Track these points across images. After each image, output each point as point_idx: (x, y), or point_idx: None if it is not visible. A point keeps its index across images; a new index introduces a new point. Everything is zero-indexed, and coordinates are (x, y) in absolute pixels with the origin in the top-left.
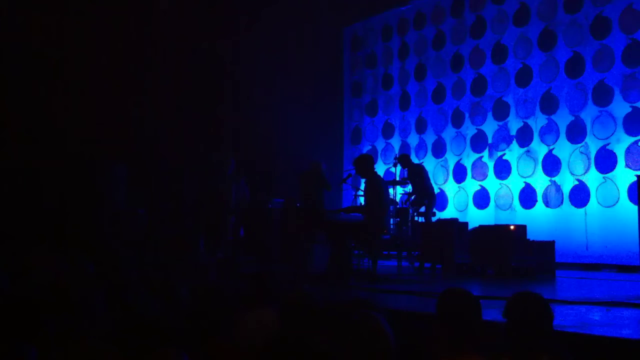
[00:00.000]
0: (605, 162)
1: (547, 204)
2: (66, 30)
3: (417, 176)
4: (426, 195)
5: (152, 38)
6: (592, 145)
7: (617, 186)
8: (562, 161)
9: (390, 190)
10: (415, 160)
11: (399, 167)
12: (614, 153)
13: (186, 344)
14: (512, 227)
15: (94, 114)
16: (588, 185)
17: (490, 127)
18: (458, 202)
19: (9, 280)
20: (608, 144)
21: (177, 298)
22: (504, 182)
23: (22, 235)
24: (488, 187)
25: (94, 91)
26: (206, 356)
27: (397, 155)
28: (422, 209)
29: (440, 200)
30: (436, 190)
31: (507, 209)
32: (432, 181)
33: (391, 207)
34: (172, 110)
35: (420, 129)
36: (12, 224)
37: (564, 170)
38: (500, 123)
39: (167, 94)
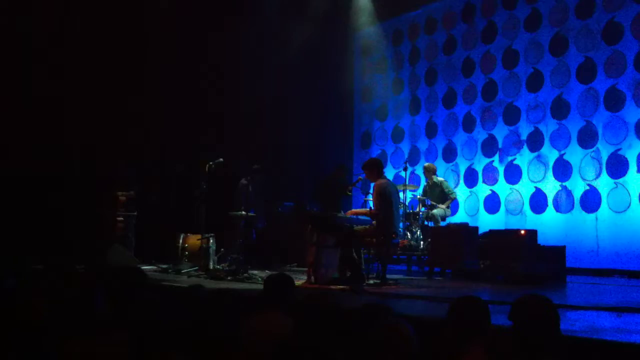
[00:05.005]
0: (616, 167)
1: (557, 209)
2: (68, 30)
3: (442, 190)
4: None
5: (155, 39)
6: (604, 150)
7: (628, 192)
8: (573, 166)
9: (400, 194)
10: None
11: (408, 171)
12: (626, 158)
13: (193, 348)
14: (522, 232)
15: (96, 115)
16: (599, 190)
17: (500, 132)
18: (469, 206)
19: (14, 281)
20: (619, 149)
21: (184, 300)
22: (515, 187)
23: (25, 236)
24: (499, 191)
25: (96, 91)
26: None
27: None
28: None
29: (451, 205)
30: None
31: (518, 213)
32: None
33: (400, 210)
34: (178, 113)
35: (431, 133)
36: (15, 226)
37: (575, 176)
38: (511, 128)
39: (172, 97)
